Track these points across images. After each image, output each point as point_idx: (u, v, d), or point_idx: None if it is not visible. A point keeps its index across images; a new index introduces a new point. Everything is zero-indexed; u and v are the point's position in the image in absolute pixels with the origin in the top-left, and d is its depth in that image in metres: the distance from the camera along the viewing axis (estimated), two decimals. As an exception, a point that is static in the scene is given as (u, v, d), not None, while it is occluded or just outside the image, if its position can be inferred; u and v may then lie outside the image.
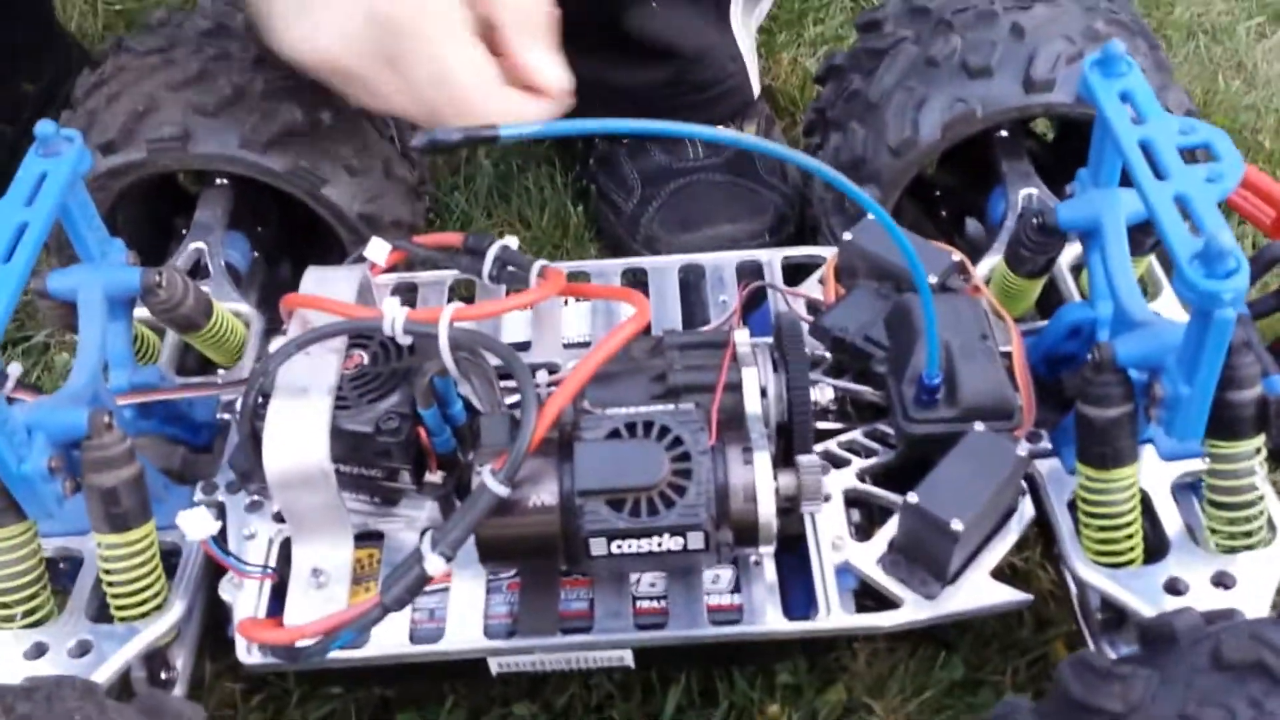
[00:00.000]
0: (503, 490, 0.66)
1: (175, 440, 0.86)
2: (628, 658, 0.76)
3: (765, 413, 0.74)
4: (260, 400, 0.74)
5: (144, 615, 0.74)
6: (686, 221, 1.18)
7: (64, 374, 1.14)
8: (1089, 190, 0.82)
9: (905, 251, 0.70)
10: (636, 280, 0.98)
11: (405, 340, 0.74)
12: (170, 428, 0.86)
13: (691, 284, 0.97)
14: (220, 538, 0.75)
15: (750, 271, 0.97)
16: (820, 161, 0.66)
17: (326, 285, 0.80)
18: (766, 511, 0.69)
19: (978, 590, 0.75)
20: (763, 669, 0.84)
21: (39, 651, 0.73)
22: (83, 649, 0.73)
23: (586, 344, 0.93)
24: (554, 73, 0.84)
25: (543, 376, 0.85)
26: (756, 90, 1.30)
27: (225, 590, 0.76)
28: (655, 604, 0.76)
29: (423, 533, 0.70)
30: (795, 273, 0.98)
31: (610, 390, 0.75)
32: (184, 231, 1.11)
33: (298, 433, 0.72)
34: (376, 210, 1.05)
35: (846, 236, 0.90)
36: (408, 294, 0.98)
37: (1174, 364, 0.69)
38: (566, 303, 0.96)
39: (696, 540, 0.67)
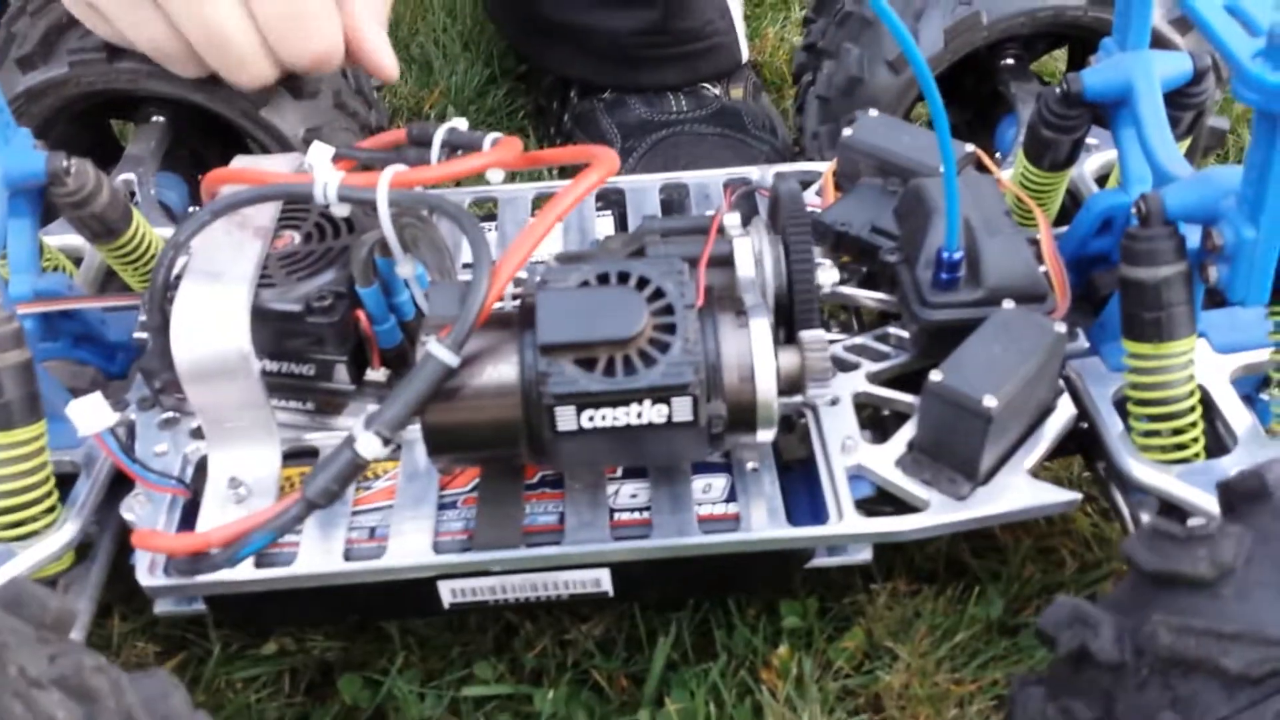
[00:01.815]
0: (451, 359, 0.55)
1: (85, 365, 0.75)
2: (605, 580, 0.64)
3: (761, 284, 0.64)
4: (172, 281, 0.63)
5: (26, 536, 0.63)
6: (670, 168, 1.09)
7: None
8: (1116, 54, 0.73)
9: (931, 99, 0.60)
10: (613, 203, 0.88)
11: (341, 210, 0.64)
12: (80, 351, 0.75)
13: (675, 203, 0.88)
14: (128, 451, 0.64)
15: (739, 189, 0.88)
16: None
17: (258, 165, 0.70)
18: (766, 385, 0.58)
19: (1016, 490, 0.63)
20: (767, 610, 0.72)
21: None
22: (-49, 573, 0.61)
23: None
24: (389, 57, 0.85)
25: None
26: (745, 54, 1.22)
27: (128, 509, 0.64)
28: (636, 515, 0.64)
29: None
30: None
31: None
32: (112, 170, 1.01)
33: (212, 313, 0.61)
34: (322, 139, 0.95)
35: (846, 133, 0.81)
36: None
37: (1233, 207, 0.59)
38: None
39: (683, 409, 0.56)
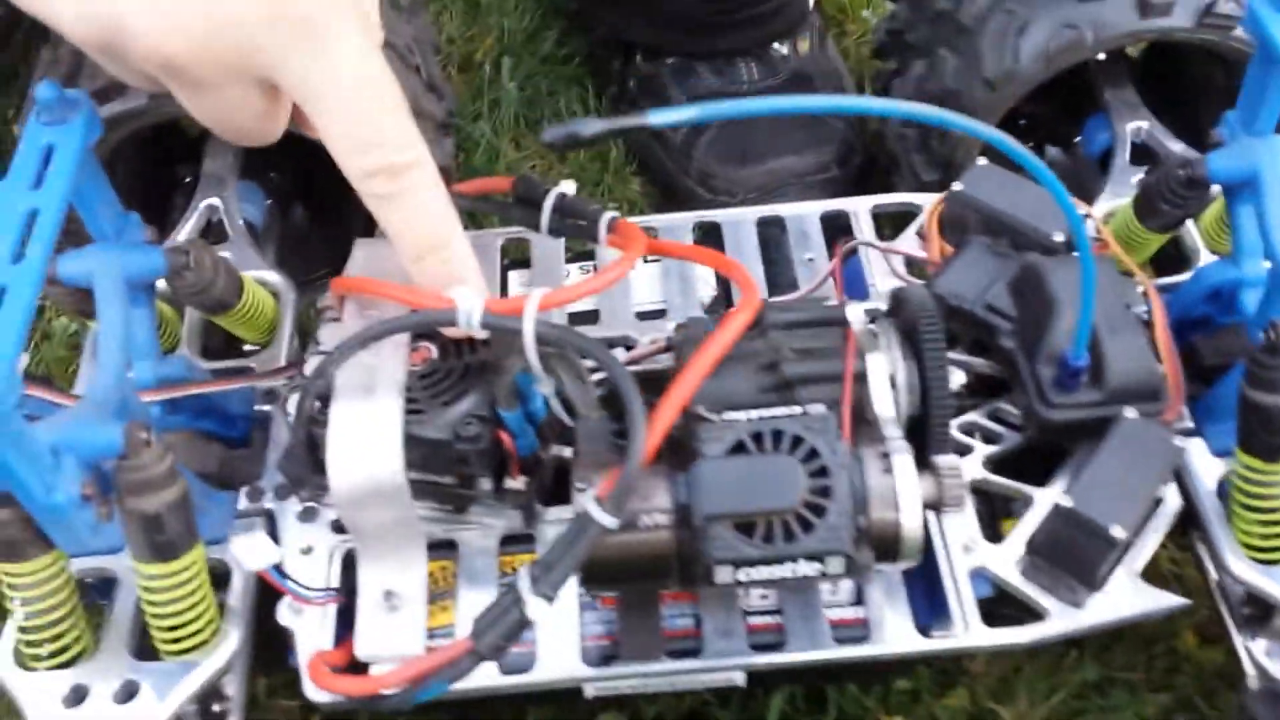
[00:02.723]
0: (611, 521, 0.57)
1: (208, 436, 0.77)
2: (739, 678, 0.68)
3: (896, 407, 0.65)
4: (319, 404, 0.64)
5: (195, 649, 0.66)
6: (745, 153, 1.07)
7: (65, 341, 1.04)
8: (1242, 138, 0.72)
9: (1069, 215, 0.60)
10: (708, 235, 0.88)
11: (481, 334, 0.64)
12: (202, 421, 0.76)
13: (772, 240, 0.87)
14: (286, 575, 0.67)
15: (834, 223, 0.87)
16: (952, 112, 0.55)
17: (381, 262, 0.69)
18: (912, 525, 0.60)
19: (1128, 595, 0.67)
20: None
21: (78, 697, 0.64)
22: (129, 692, 0.64)
23: (661, 312, 0.83)
24: None
25: (619, 355, 0.76)
26: (810, 1, 1.18)
27: (285, 616, 0.67)
28: (769, 619, 0.68)
29: (507, 557, 0.61)
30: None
31: (714, 383, 0.65)
32: (187, 180, 0.99)
33: (368, 444, 0.62)
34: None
35: (957, 187, 0.80)
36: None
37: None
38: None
39: (836, 565, 0.59)
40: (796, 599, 0.67)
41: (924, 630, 0.67)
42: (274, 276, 0.84)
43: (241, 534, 0.63)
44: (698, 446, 0.60)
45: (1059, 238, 0.76)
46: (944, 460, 0.63)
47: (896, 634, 0.66)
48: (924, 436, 0.65)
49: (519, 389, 0.65)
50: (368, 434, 0.63)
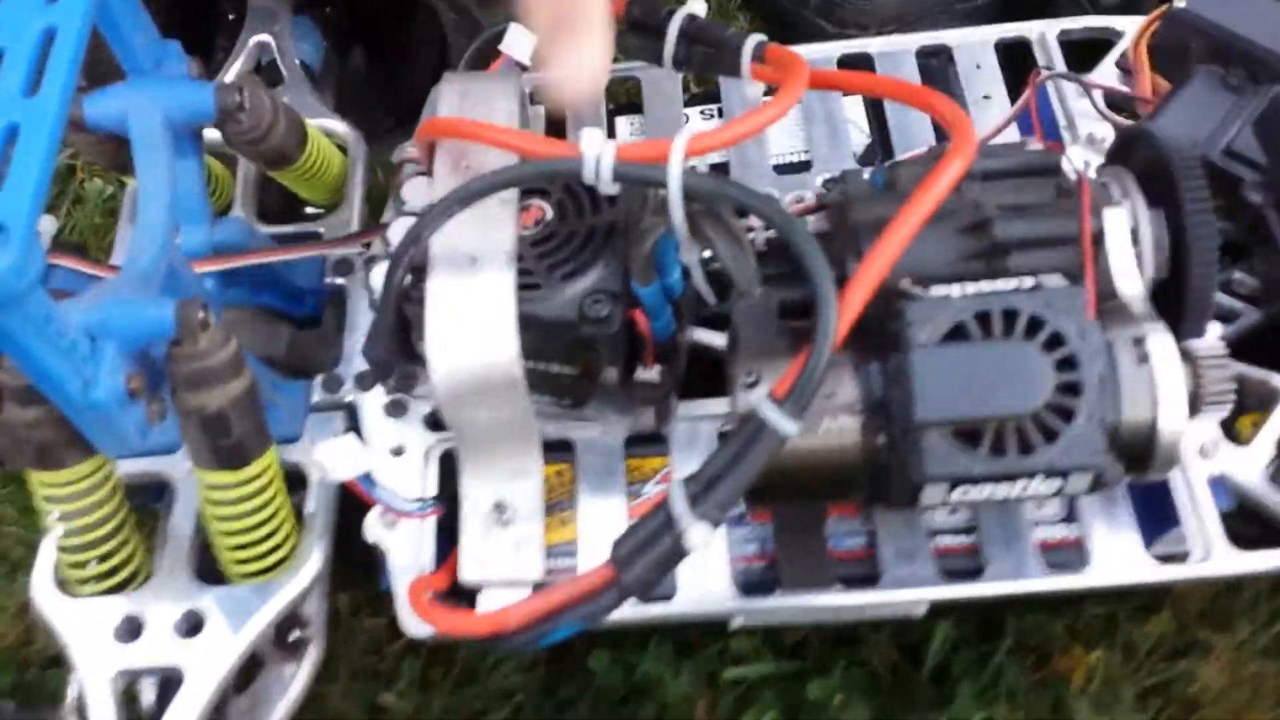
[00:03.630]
0: (792, 427, 0.45)
1: (273, 313, 0.65)
2: (920, 609, 0.56)
3: (1142, 276, 0.51)
4: (411, 277, 0.52)
5: (271, 569, 0.55)
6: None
7: (100, 208, 0.91)
8: None
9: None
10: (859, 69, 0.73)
11: (611, 189, 0.50)
12: (264, 297, 0.64)
13: (936, 72, 0.72)
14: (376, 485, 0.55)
15: (1011, 53, 0.72)
16: None
17: (477, 101, 0.56)
18: (1173, 428, 0.47)
19: None
20: (1063, 594, 0.65)
21: (133, 629, 0.54)
22: (193, 623, 0.54)
23: (805, 164, 0.69)
24: None
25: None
26: None
27: (374, 531, 0.56)
28: (961, 539, 0.55)
29: (635, 460, 0.49)
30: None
31: (910, 245, 0.51)
32: (231, 18, 0.85)
33: (475, 326, 0.50)
34: (498, -21, 0.79)
35: (1179, 3, 0.64)
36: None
37: None
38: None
39: (1081, 483, 0.46)
40: (994, 514, 0.55)
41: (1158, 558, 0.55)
42: (340, 126, 0.71)
43: (329, 439, 0.51)
44: (903, 330, 0.46)
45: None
46: (1203, 345, 0.50)
47: (1121, 559, 0.54)
48: (1176, 313, 0.51)
49: (656, 257, 0.52)
50: (474, 313, 0.50)
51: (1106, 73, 0.69)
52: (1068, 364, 0.45)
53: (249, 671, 0.56)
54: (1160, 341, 0.48)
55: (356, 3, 0.89)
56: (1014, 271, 0.50)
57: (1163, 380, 0.47)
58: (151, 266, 0.53)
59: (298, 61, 0.76)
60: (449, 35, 0.80)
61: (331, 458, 0.51)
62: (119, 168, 0.59)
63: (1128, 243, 0.51)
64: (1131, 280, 0.50)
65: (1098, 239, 0.51)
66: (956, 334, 0.46)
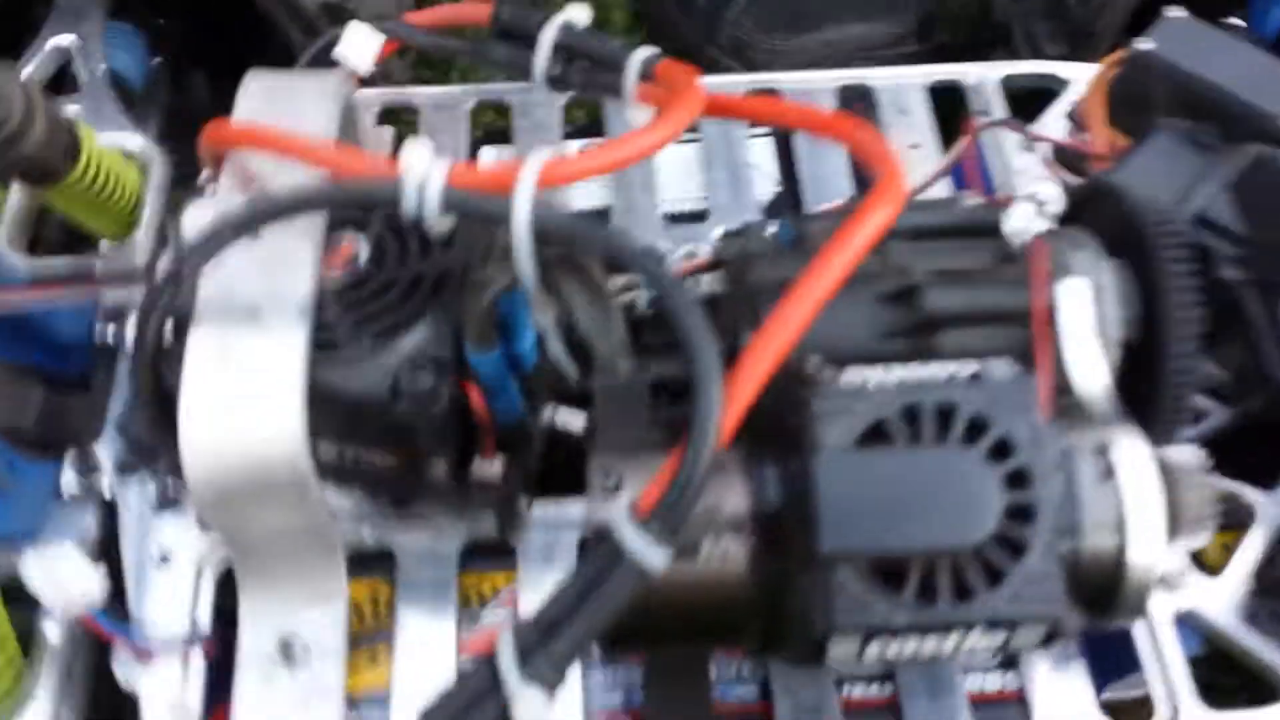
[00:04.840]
0: (658, 559, 0.33)
1: (24, 371, 0.51)
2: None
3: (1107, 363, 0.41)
4: (169, 327, 0.39)
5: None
6: (795, 18, 0.82)
7: None
8: None
9: None
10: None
11: (440, 224, 0.38)
12: (15, 351, 0.51)
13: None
14: (113, 587, 0.41)
15: (944, 99, 0.63)
16: None
17: (284, 103, 0.44)
18: (1145, 563, 0.37)
19: None
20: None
21: None
22: None
23: (701, 214, 0.58)
24: None
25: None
26: None
27: (121, 668, 0.43)
28: (875, 690, 0.44)
29: (472, 576, 0.37)
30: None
31: (819, 320, 0.40)
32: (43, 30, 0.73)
33: (249, 400, 0.37)
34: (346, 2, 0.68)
35: (1144, 45, 0.55)
36: (403, 123, 0.62)
37: None
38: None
39: (1030, 637, 0.35)
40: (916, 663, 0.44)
41: (1107, 706, 0.44)
42: (139, 140, 0.58)
43: (40, 547, 0.38)
44: (807, 426, 0.35)
45: (1293, 121, 0.52)
46: (1180, 456, 0.39)
47: (1067, 713, 0.43)
48: (1144, 411, 0.41)
49: (500, 317, 0.40)
50: (247, 381, 0.38)
51: (1054, 125, 0.59)
52: (1018, 479, 0.34)
53: None
54: (1130, 451, 0.37)
55: (197, 20, 0.77)
56: (947, 353, 0.40)
57: (1133, 501, 0.36)
58: None
59: (103, 70, 0.63)
60: (295, 53, 0.69)
61: (47, 577, 0.37)
62: None
63: (1089, 324, 0.41)
64: (1093, 372, 0.40)
65: (1052, 316, 0.41)
66: (875, 435, 0.35)
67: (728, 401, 0.34)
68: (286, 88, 0.45)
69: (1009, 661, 0.45)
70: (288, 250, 0.40)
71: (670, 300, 0.35)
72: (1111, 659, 0.46)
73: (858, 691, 0.44)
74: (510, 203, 0.37)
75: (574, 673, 0.43)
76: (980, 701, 0.44)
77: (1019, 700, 0.44)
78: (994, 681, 0.44)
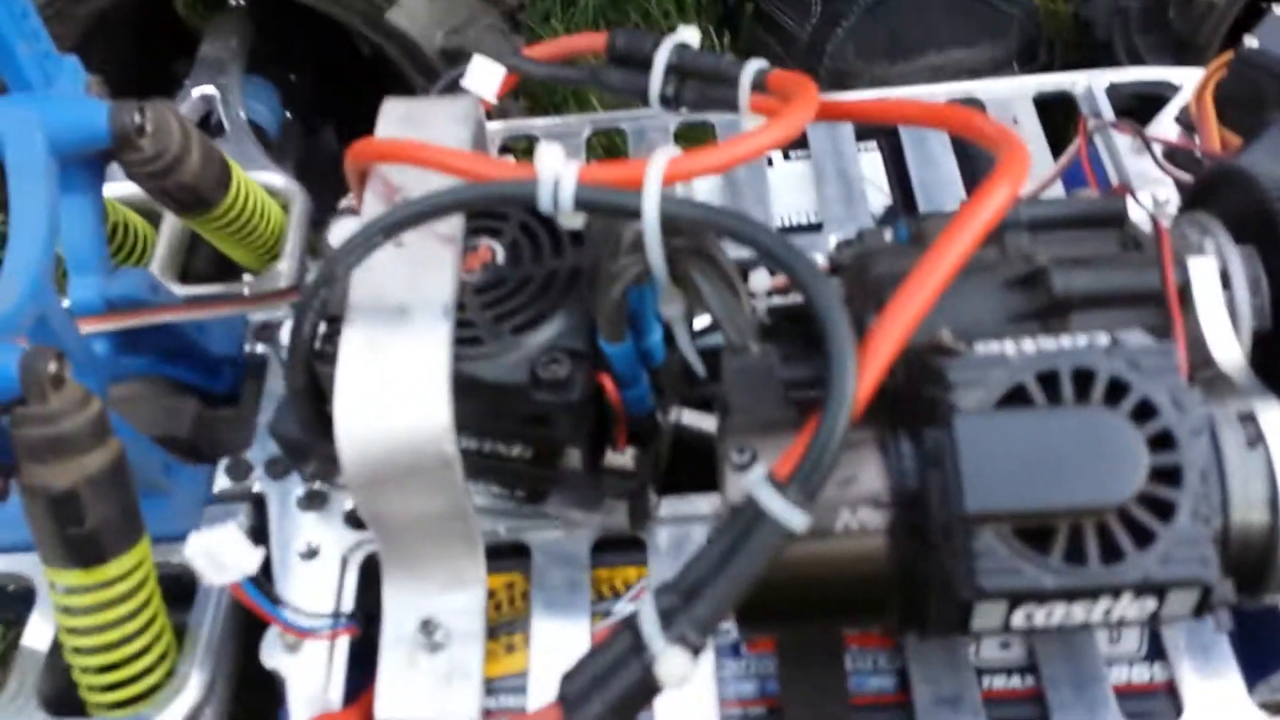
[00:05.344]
0: (799, 520, 0.33)
1: (180, 386, 0.54)
2: (965, 767, 0.44)
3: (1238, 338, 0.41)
4: (323, 328, 0.41)
5: (137, 699, 0.43)
6: (895, 45, 0.83)
7: None
8: None
9: None
10: (879, 130, 0.64)
11: (573, 222, 0.40)
12: (172, 367, 0.54)
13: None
14: (262, 568, 0.43)
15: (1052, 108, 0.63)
16: None
17: (420, 125, 0.47)
18: (1298, 536, 0.36)
19: None
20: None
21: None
22: (29, 770, 0.42)
23: (815, 226, 0.60)
24: None
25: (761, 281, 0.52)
26: None
27: (271, 654, 0.45)
28: (1017, 681, 0.43)
29: (605, 570, 0.38)
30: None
31: (944, 303, 0.41)
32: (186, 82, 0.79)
33: (399, 390, 0.39)
34: (463, 45, 0.71)
35: (1250, 43, 0.55)
36: (521, 152, 0.65)
37: None
38: (771, 161, 0.63)
39: (1183, 603, 0.35)
40: (1059, 650, 0.43)
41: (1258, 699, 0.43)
42: (282, 180, 0.62)
43: (204, 529, 0.40)
44: (943, 394, 0.36)
45: None
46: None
47: (1219, 707, 0.42)
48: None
49: (630, 310, 0.42)
50: (397, 374, 0.40)
51: (1165, 128, 0.59)
52: (1162, 441, 0.34)
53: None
54: (1277, 418, 0.37)
55: (325, 77, 0.82)
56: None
57: (1285, 468, 0.36)
58: (12, 314, 0.43)
59: (244, 117, 0.67)
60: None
61: (207, 554, 0.40)
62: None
63: (1219, 298, 0.40)
64: (1228, 344, 0.39)
65: (1182, 295, 0.41)
66: (1014, 398, 0.35)
67: (862, 370, 0.34)
68: (422, 111, 0.47)
69: (1153, 652, 0.44)
70: (430, 253, 0.42)
71: (796, 275, 0.36)
72: (1262, 649, 0.45)
73: (999, 683, 0.43)
74: (640, 195, 0.39)
75: (706, 660, 0.44)
76: (1127, 693, 0.43)
77: (1168, 691, 0.43)
78: (1141, 673, 0.44)
